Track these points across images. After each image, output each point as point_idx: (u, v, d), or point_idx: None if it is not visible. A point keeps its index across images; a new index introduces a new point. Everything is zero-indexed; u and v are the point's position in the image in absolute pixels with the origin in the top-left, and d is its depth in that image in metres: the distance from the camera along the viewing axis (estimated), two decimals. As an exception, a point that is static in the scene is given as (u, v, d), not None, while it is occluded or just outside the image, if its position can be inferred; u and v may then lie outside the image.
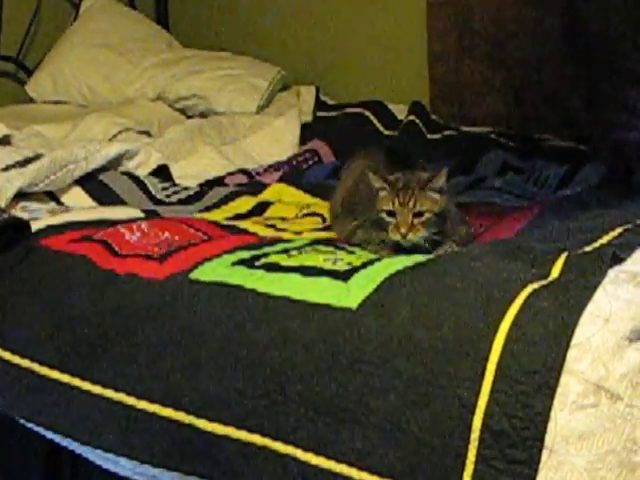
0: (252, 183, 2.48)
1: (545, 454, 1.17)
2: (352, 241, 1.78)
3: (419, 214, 1.63)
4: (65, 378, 1.58)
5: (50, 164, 2.02)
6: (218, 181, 2.48)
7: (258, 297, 1.45)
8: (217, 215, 2.05)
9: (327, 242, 1.74)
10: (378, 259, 1.53)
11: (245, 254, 1.60)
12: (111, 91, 3.30)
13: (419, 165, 1.89)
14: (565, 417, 1.18)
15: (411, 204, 1.63)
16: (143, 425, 1.48)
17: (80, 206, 2.05)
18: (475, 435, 1.20)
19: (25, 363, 1.63)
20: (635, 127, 2.18)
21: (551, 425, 1.18)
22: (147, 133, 2.90)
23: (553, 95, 3.07)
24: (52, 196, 2.07)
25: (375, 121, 3.04)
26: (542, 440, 1.17)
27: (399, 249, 1.65)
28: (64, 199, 2.08)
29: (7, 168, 2.05)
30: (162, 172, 2.36)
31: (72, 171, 2.07)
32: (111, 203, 2.08)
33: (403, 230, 1.62)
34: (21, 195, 1.98)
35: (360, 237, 1.77)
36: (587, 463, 1.17)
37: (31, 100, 3.36)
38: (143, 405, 1.48)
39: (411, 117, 3.01)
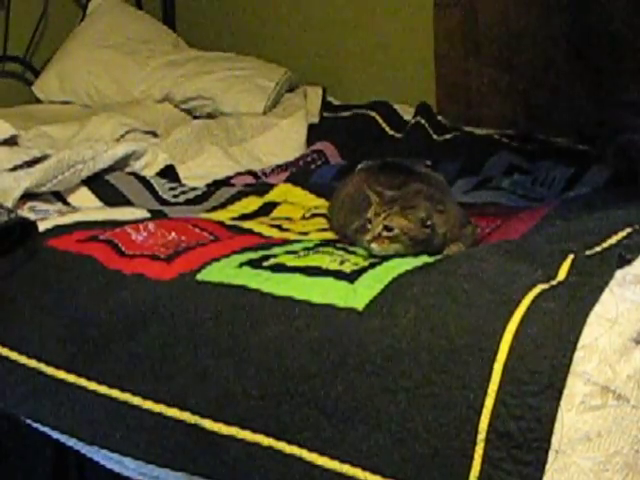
0: (259, 183, 2.49)
1: (551, 455, 1.17)
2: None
3: (389, 229, 1.62)
4: (71, 378, 1.58)
5: (57, 164, 2.02)
6: (225, 182, 2.49)
7: (265, 298, 1.45)
8: (223, 215, 2.05)
9: (334, 243, 1.74)
10: (385, 260, 1.53)
11: (252, 255, 1.60)
12: (118, 92, 3.30)
13: (423, 167, 1.88)
14: (572, 418, 1.17)
15: (382, 216, 1.62)
16: (149, 425, 1.48)
17: (87, 206, 2.05)
18: (482, 436, 1.20)
19: (32, 363, 1.64)
20: (641, 128, 2.18)
21: (558, 426, 1.17)
22: (154, 134, 2.91)
23: (559, 96, 3.07)
24: (59, 196, 2.07)
25: (382, 122, 3.05)
26: (549, 441, 1.17)
27: None
28: (71, 199, 2.09)
29: (14, 168, 2.06)
30: (169, 173, 2.36)
31: (79, 171, 2.07)
32: (118, 204, 2.08)
33: (367, 237, 1.61)
34: (28, 195, 1.98)
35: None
36: (594, 465, 1.17)
37: (38, 100, 3.37)
38: (149, 405, 1.48)
39: (418, 118, 3.02)
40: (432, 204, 1.65)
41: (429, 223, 1.63)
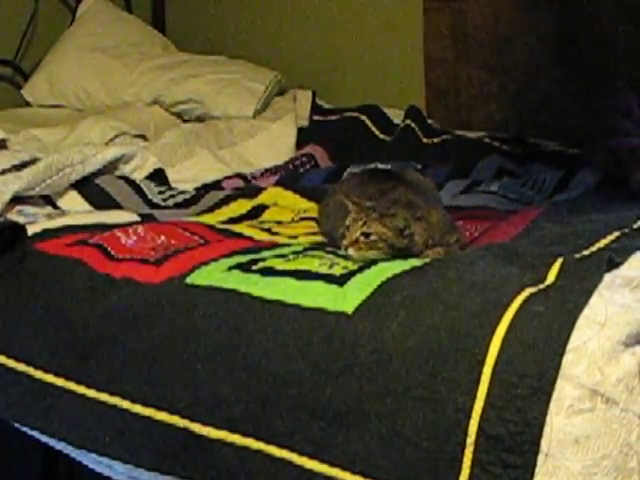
0: (248, 187, 2.48)
1: (541, 458, 1.17)
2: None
3: (367, 235, 1.61)
4: (60, 382, 1.58)
5: (46, 168, 2.01)
6: (214, 185, 2.48)
7: (254, 301, 1.45)
8: (213, 218, 2.04)
9: (323, 246, 1.74)
10: (374, 263, 1.53)
11: (241, 258, 1.60)
12: (107, 95, 3.30)
13: (412, 171, 1.88)
14: (561, 422, 1.18)
15: (361, 222, 1.62)
16: (138, 429, 1.48)
17: (76, 210, 2.04)
18: (471, 439, 1.20)
19: (20, 367, 1.63)
20: (630, 132, 2.19)
21: (547, 430, 1.18)
22: (143, 137, 2.90)
23: (549, 99, 3.07)
24: (48, 200, 2.07)
25: (371, 125, 3.04)
26: (538, 444, 1.17)
27: None
28: (60, 203, 2.08)
29: (3, 172, 2.05)
30: (158, 176, 2.35)
31: (68, 175, 2.06)
32: (107, 207, 2.07)
33: (345, 242, 1.60)
34: (17, 199, 1.97)
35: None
36: (583, 468, 1.17)
37: (27, 104, 3.36)
38: (138, 409, 1.48)
39: (407, 121, 3.01)
40: (412, 212, 1.65)
41: (407, 232, 1.63)
